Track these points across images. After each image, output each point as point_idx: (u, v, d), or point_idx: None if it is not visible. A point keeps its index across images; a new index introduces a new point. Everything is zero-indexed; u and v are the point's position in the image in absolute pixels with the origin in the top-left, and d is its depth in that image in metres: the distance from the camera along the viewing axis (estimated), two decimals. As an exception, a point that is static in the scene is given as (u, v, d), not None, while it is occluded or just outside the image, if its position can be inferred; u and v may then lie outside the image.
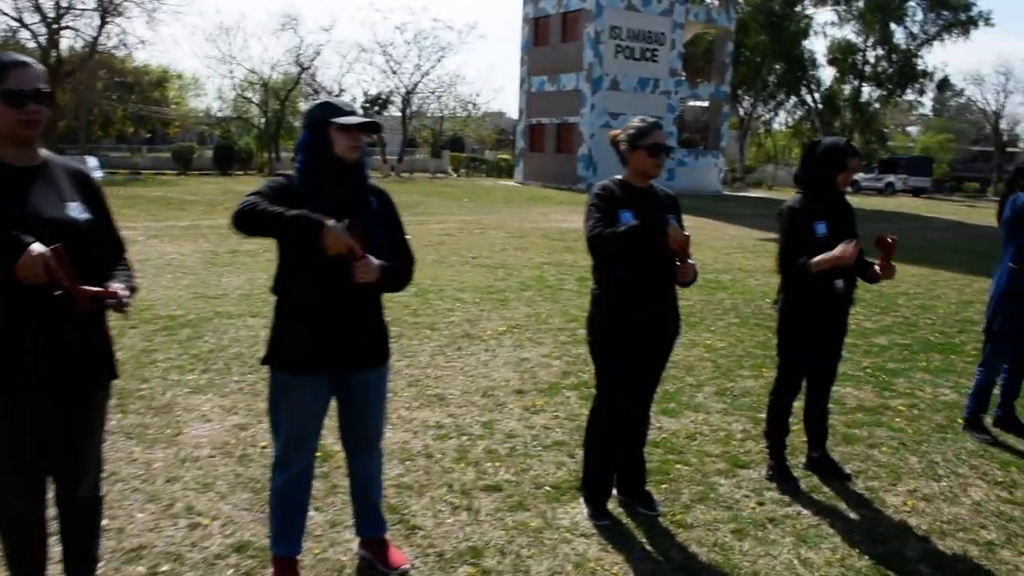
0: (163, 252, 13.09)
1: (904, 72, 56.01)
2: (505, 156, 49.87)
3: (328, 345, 3.22)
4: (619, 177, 4.00)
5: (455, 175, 49.96)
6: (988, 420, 5.68)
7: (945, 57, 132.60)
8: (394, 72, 49.16)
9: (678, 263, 3.78)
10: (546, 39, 39.96)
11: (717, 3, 42.28)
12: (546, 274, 11.86)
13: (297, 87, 47.58)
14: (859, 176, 51.81)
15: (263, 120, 47.53)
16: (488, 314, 8.94)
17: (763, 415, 4.90)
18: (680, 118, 41.23)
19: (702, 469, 4.78)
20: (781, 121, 63.78)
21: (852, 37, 57.06)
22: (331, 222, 2.90)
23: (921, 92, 57.93)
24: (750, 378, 6.64)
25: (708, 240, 17.24)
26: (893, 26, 55.27)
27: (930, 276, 13.28)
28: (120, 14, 39.41)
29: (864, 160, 58.43)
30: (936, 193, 51.59)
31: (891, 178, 48.60)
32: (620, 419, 4.09)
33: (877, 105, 58.89)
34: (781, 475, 4.60)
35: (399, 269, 3.29)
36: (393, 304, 9.33)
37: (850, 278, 4.45)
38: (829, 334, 4.49)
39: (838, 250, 4.18)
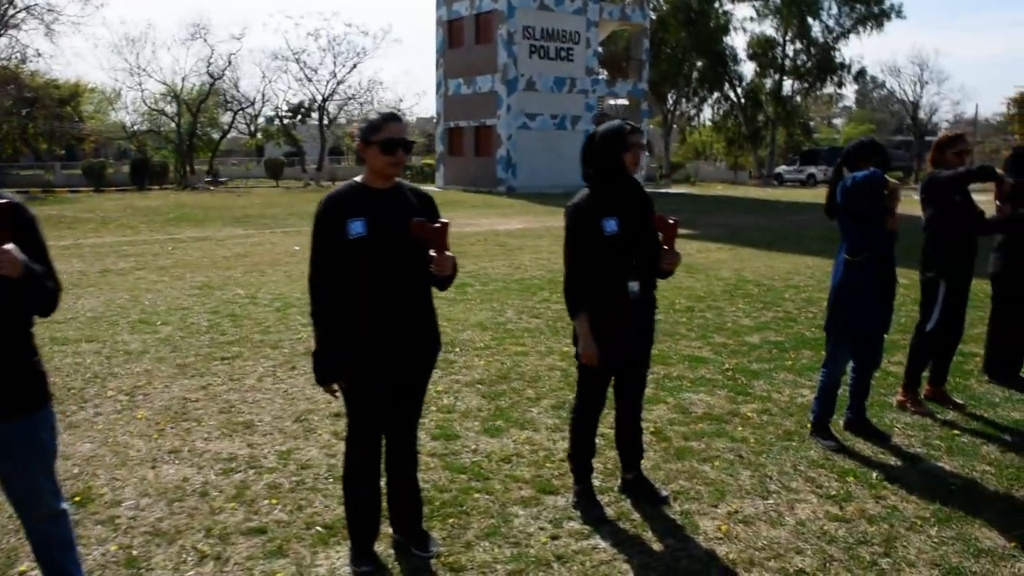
0: (26, 274, 12.19)
1: (822, 65, 56.85)
2: (429, 161, 49.16)
3: None
4: (357, 179, 3.45)
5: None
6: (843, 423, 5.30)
7: (862, 50, 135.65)
8: (309, 80, 48.19)
9: (432, 254, 3.24)
10: (461, 41, 39.42)
11: (631, 0, 42.20)
12: (427, 281, 11.27)
13: (210, 97, 46.30)
14: (782, 169, 52.45)
15: (177, 133, 46.22)
16: (344, 328, 8.34)
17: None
18: (599, 116, 41.00)
19: (503, 498, 4.25)
20: (707, 117, 64.24)
21: (771, 32, 57.82)
22: None
23: (840, 84, 58.89)
24: (598, 387, 6.14)
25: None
26: (810, 20, 56.05)
27: (826, 267, 13.00)
28: (15, 27, 37.99)
29: (790, 153, 59.50)
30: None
31: (812, 169, 49.09)
32: (372, 452, 3.55)
33: (798, 98, 59.62)
34: (585, 501, 4.10)
35: (44, 284, 2.71)
36: (246, 321, 8.74)
37: (646, 279, 3.97)
38: (630, 341, 3.99)
39: (588, 353, 3.89)
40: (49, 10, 39.31)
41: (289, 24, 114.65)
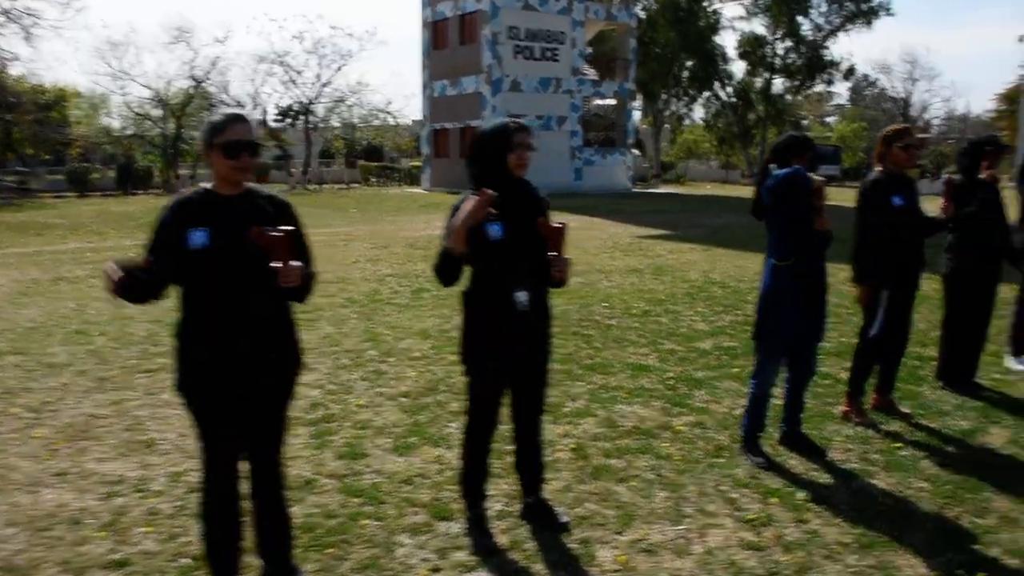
0: (-24, 283, 11.89)
1: (812, 63, 56.51)
2: (417, 164, 48.84)
3: None
4: (207, 185, 3.15)
5: (360, 185, 48.83)
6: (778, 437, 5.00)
7: (851, 48, 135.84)
8: (293, 83, 47.83)
9: (275, 265, 2.93)
10: (445, 43, 39.08)
11: (617, 0, 41.88)
12: (384, 287, 10.95)
13: (194, 101, 45.94)
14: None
15: (163, 137, 45.88)
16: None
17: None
18: (586, 116, 40.69)
19: (393, 524, 3.94)
20: (698, 117, 63.90)
21: (760, 30, 57.41)
22: None
23: (830, 82, 58.48)
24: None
25: (581, 240, 16.48)
26: (799, 18, 55.73)
27: (798, 268, 12.70)
28: (-5, 31, 37.61)
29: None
30: (847, 181, 52.02)
31: (802, 168, 48.73)
32: (225, 477, 3.26)
33: (788, 97, 59.33)
34: (477, 530, 3.78)
35: None
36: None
37: (536, 288, 3.65)
38: (519, 355, 3.69)
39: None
40: (28, 14, 38.83)
41: (273, 27, 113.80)
